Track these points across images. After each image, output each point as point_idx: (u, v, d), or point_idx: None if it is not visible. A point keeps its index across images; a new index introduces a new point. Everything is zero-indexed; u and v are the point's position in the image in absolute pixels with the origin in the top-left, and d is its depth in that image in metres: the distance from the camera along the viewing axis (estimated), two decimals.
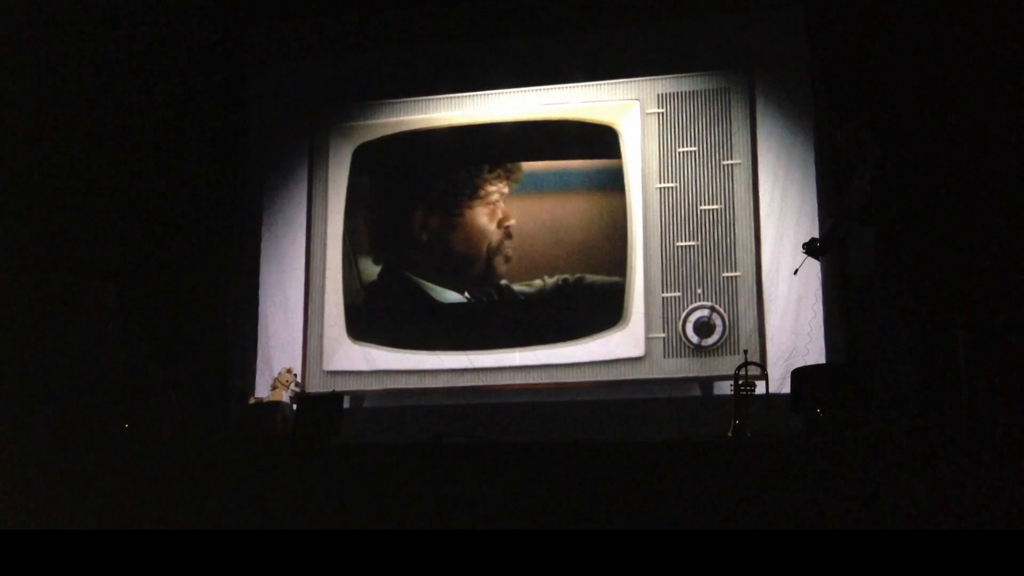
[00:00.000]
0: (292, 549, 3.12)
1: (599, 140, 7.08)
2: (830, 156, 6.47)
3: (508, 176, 7.20)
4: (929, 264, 5.38)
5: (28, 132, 6.80)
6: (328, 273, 7.33)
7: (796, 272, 5.44)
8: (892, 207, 4.60)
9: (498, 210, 7.16)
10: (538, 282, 7.06)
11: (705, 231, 6.80)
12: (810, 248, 5.19)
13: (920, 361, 4.59)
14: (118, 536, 3.23)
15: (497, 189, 7.19)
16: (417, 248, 7.27)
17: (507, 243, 7.12)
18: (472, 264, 7.16)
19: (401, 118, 7.47)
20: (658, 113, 7.02)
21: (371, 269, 7.36)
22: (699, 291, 6.73)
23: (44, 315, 6.31)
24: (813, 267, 6.30)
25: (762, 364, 6.18)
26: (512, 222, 7.13)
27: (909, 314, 4.61)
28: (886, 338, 4.61)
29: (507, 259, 7.11)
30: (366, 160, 7.47)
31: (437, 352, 7.03)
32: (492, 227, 7.16)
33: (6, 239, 6.62)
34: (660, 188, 6.92)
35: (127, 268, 6.90)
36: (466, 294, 7.14)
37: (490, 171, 7.23)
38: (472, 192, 7.22)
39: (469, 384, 6.97)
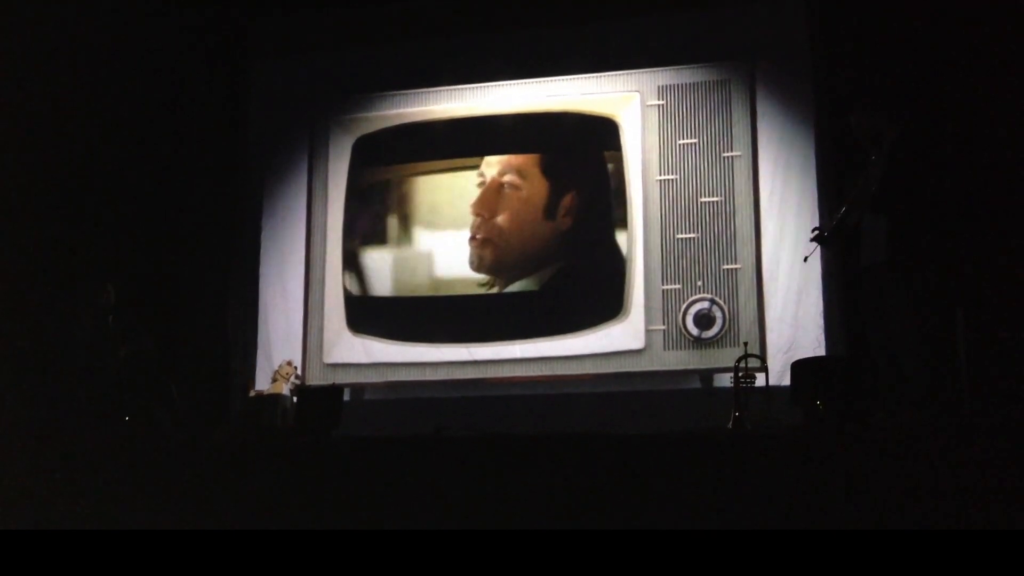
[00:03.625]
0: (293, 544, 3.13)
1: (599, 132, 7.06)
2: (831, 147, 6.46)
3: (511, 167, 7.18)
4: (939, 254, 5.36)
5: (26, 124, 6.79)
6: (328, 266, 7.32)
7: (806, 259, 5.43)
8: (905, 194, 4.58)
9: (501, 200, 7.15)
10: (538, 275, 7.06)
11: (705, 223, 6.79)
12: (818, 237, 5.17)
13: (927, 353, 4.58)
14: (118, 534, 3.23)
15: (502, 180, 7.17)
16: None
17: (509, 234, 7.11)
18: (477, 257, 7.15)
19: (401, 110, 7.45)
20: (658, 105, 7.00)
21: (371, 261, 7.35)
22: (699, 283, 6.73)
23: (44, 310, 6.31)
24: (814, 259, 6.30)
25: (762, 356, 6.17)
26: (513, 213, 7.12)
27: (919, 305, 4.59)
28: (896, 329, 4.60)
29: (508, 250, 7.10)
30: (366, 152, 7.46)
31: (437, 344, 7.03)
32: (497, 218, 7.14)
33: (4, 232, 6.61)
34: (660, 180, 6.90)
35: (127, 261, 6.89)
36: (477, 278, 7.12)
37: (494, 163, 7.21)
38: (478, 185, 7.21)
39: (469, 377, 6.97)
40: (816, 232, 5.23)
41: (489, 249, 7.11)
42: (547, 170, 7.15)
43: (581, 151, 7.16)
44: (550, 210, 7.09)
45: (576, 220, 7.04)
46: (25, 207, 6.75)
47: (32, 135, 6.82)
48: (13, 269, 6.56)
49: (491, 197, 7.17)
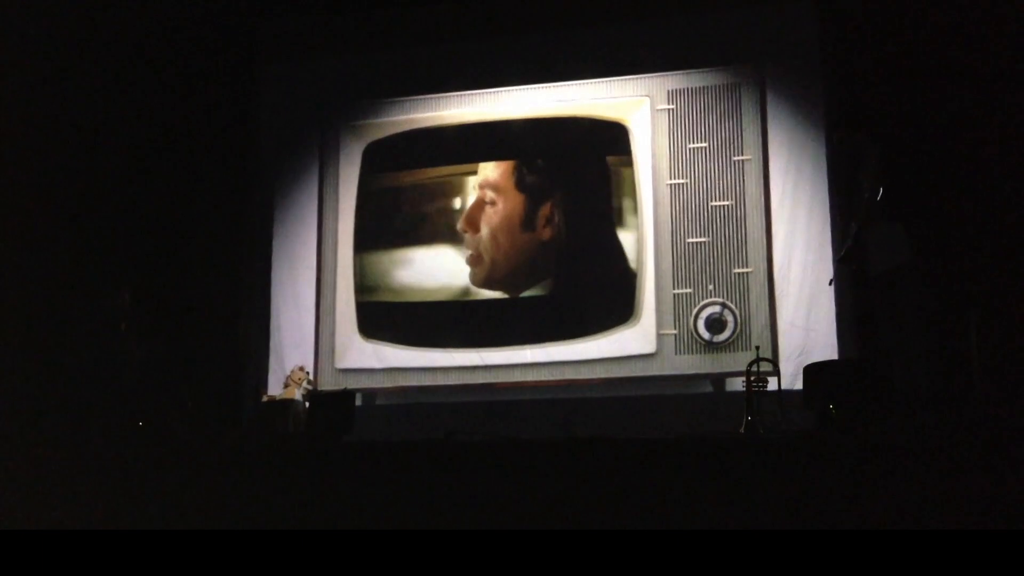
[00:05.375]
0: (304, 547, 3.14)
1: (609, 137, 7.07)
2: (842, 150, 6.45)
3: (488, 183, 7.20)
4: (952, 259, 5.36)
5: (39, 133, 6.83)
6: (340, 271, 7.35)
7: (831, 283, 5.48)
8: (903, 204, 4.60)
9: (483, 216, 7.16)
10: (548, 279, 7.06)
11: (716, 227, 6.78)
12: (843, 258, 5.25)
13: (940, 356, 4.58)
14: (128, 535, 3.25)
15: (483, 196, 7.19)
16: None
17: (494, 248, 7.12)
18: (472, 273, 7.17)
19: (411, 116, 7.47)
20: (668, 109, 7.00)
21: (382, 267, 7.37)
22: (710, 287, 6.72)
23: (59, 317, 6.34)
24: (826, 263, 6.31)
25: (774, 360, 6.15)
26: (493, 229, 7.14)
27: (929, 310, 4.59)
28: (906, 334, 4.59)
29: (497, 265, 7.11)
30: (377, 158, 7.48)
31: (448, 349, 7.05)
32: (481, 233, 7.16)
33: (18, 242, 6.65)
34: (671, 184, 6.90)
35: (140, 268, 6.93)
36: (480, 292, 7.14)
37: (478, 179, 7.22)
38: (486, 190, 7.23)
39: (480, 381, 6.99)
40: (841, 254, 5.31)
41: (480, 266, 7.15)
42: (519, 183, 7.18)
43: (561, 158, 7.18)
44: (528, 222, 7.11)
45: (559, 229, 7.05)
46: (39, 214, 6.79)
47: (44, 143, 6.87)
48: (28, 275, 6.60)
49: (474, 213, 7.23)
